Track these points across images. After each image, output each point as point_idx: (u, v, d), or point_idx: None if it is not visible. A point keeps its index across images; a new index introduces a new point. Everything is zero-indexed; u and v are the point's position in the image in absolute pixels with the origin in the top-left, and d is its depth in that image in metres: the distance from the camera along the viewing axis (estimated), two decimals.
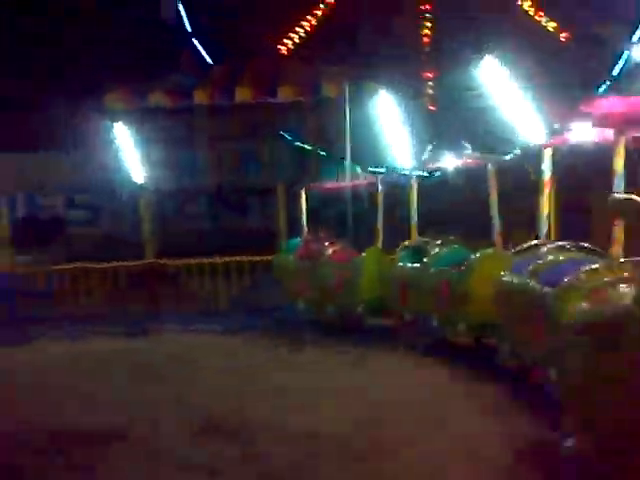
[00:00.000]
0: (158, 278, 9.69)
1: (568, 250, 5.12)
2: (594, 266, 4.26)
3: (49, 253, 14.50)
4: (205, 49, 23.01)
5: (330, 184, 9.34)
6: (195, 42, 23.02)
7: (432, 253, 6.89)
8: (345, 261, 7.89)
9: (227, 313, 9.74)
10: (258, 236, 11.44)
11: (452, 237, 7.16)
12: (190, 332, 8.73)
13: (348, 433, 4.51)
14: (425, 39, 23.21)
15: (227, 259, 9.87)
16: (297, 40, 26.41)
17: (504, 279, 5.50)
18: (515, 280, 5.31)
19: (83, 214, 18.75)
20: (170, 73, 19.01)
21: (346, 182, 9.04)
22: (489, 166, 6.57)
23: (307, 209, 9.14)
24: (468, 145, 8.28)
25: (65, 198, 17.50)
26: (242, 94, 17.14)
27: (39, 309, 9.41)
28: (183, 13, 23.59)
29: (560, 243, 5.31)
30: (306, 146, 19.07)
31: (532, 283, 4.90)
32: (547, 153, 5.73)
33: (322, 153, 18.33)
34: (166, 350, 7.86)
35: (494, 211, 6.50)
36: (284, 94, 17.09)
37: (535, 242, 5.61)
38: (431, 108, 20.32)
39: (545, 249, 5.23)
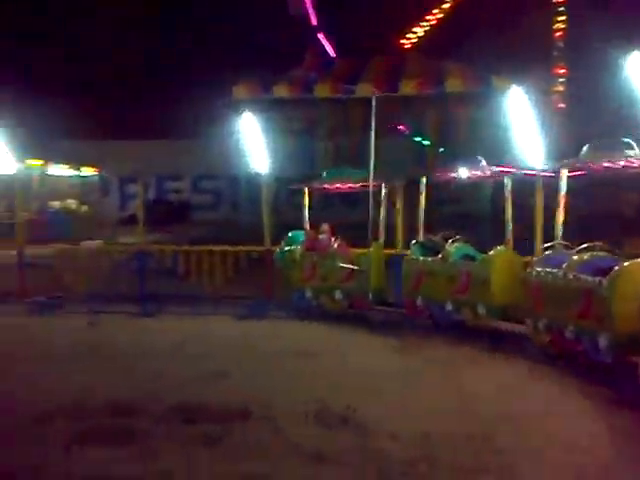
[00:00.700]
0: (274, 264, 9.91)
1: (592, 249, 6.38)
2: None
3: (174, 234, 15.44)
4: (329, 44, 23.38)
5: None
6: (320, 37, 23.49)
7: (447, 248, 7.97)
8: (347, 254, 8.99)
9: None
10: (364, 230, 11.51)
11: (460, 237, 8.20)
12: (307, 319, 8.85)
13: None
14: (558, 34, 22.09)
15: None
16: (421, 34, 26.16)
17: (542, 272, 6.67)
18: (557, 272, 6.43)
19: (206, 199, 19.91)
20: (294, 67, 19.52)
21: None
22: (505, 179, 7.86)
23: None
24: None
25: (191, 183, 18.67)
26: (363, 89, 17.18)
27: (166, 286, 9.97)
28: (309, 9, 24.10)
29: (585, 245, 6.47)
30: (425, 141, 18.86)
31: (576, 274, 6.16)
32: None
33: (441, 149, 18.03)
34: (282, 335, 8.05)
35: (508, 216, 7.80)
36: (406, 88, 16.91)
37: (553, 244, 6.95)
38: (561, 106, 19.35)
39: (575, 249, 6.52)
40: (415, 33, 26.86)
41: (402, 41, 26.42)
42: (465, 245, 8.15)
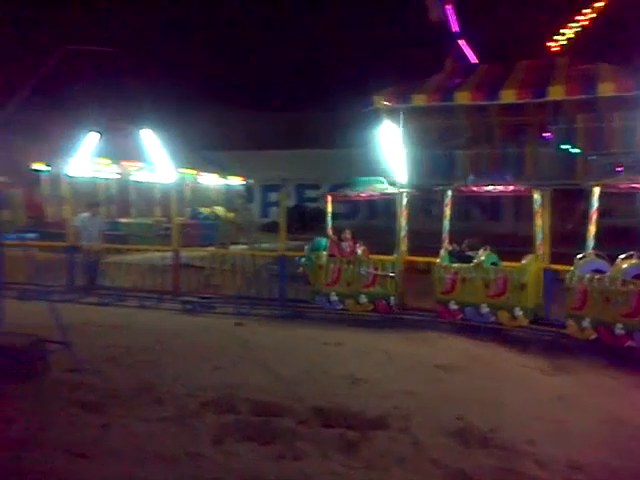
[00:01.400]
0: (410, 273, 9.80)
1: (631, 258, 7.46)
2: None
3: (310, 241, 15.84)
4: (470, 50, 22.87)
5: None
6: (460, 43, 23.05)
7: (480, 257, 8.70)
8: (371, 259, 9.48)
9: None
10: (507, 241, 10.99)
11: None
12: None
13: None
14: None
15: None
16: (571, 36, 24.71)
17: (586, 276, 7.61)
18: (603, 277, 7.49)
19: (343, 207, 20.28)
20: (434, 74, 19.30)
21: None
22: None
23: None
24: None
25: (327, 192, 19.16)
26: (507, 95, 16.54)
27: (300, 291, 10.26)
28: (450, 15, 23.74)
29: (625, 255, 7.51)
30: (574, 149, 17.75)
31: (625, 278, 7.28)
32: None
33: (592, 157, 16.87)
34: (423, 346, 7.98)
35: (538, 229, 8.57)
36: (555, 93, 16.01)
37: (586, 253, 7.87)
38: None
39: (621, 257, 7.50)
40: (564, 35, 25.45)
41: (550, 44, 25.16)
42: (491, 254, 8.90)
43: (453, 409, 5.41)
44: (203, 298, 10.35)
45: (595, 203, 7.97)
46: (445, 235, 9.16)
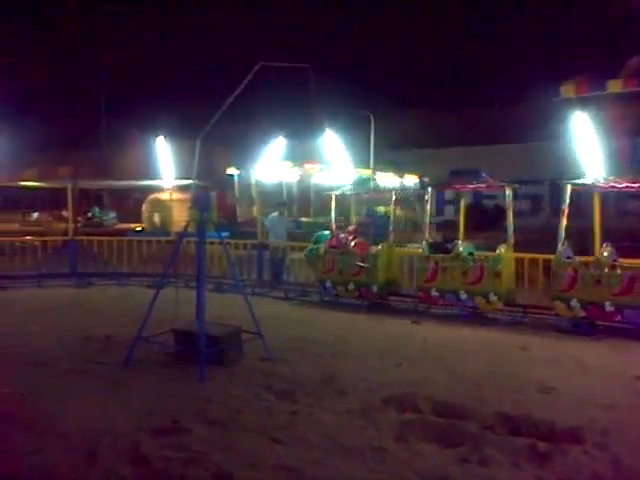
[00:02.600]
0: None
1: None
2: None
3: (488, 240, 15.24)
4: None
5: None
6: None
7: (457, 247, 9.59)
8: (364, 251, 10.49)
9: None
10: None
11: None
12: None
13: None
14: None
15: None
16: None
17: (574, 262, 8.57)
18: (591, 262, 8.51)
19: (525, 205, 19.26)
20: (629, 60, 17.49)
21: None
22: None
23: None
24: None
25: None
26: None
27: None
28: None
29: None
30: None
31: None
32: None
33: None
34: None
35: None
36: None
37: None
38: None
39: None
40: None
41: None
42: (469, 245, 9.88)
43: None
44: (380, 297, 10.49)
45: (567, 200, 8.78)
46: (425, 226, 10.11)
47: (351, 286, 10.37)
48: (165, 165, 14.20)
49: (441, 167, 23.60)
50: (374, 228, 18.01)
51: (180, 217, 16.55)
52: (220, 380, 6.23)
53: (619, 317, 8.24)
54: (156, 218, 25.58)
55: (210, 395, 5.76)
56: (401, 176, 22.82)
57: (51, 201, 28.74)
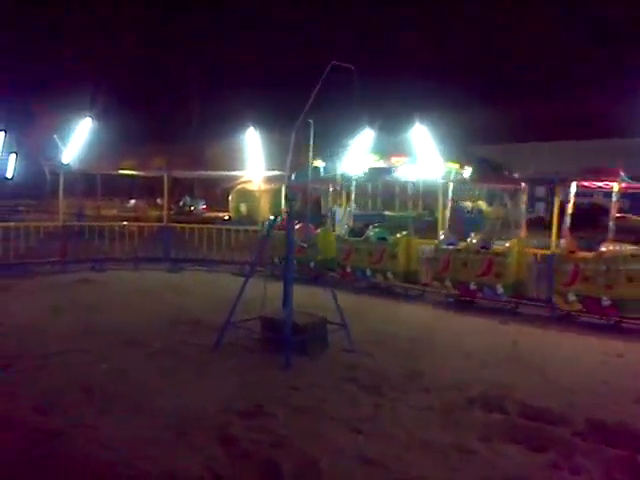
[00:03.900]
0: None
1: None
2: None
3: (583, 239, 14.50)
4: None
5: None
6: None
7: (368, 232, 11.71)
8: (306, 234, 11.76)
9: None
10: None
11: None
12: None
13: None
14: None
15: None
16: None
17: (447, 249, 10.42)
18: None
19: (624, 203, 18.11)
20: None
21: None
22: None
23: None
24: None
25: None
26: None
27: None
28: None
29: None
30: None
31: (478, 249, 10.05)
32: None
33: None
34: None
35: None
36: None
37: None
38: None
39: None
40: None
41: None
42: (382, 230, 11.79)
43: None
44: (318, 273, 11.22)
45: (449, 194, 11.44)
46: (521, 223, 10.62)
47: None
48: (254, 156, 14.52)
49: (543, 163, 22.76)
50: (462, 223, 17.65)
51: (266, 207, 16.92)
52: (304, 369, 6.34)
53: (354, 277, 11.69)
54: (243, 208, 26.31)
55: (295, 383, 5.87)
56: (496, 170, 22.23)
57: (147, 189, 30.23)
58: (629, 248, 8.56)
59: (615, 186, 9.07)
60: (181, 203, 31.87)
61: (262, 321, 7.11)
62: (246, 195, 25.33)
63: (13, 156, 19.15)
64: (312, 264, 11.63)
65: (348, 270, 11.70)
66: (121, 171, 15.46)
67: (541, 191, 27.28)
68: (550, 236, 9.90)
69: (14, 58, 33.98)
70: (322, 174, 19.14)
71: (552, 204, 10.54)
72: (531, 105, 27.20)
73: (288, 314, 6.59)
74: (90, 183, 19.93)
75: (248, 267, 10.41)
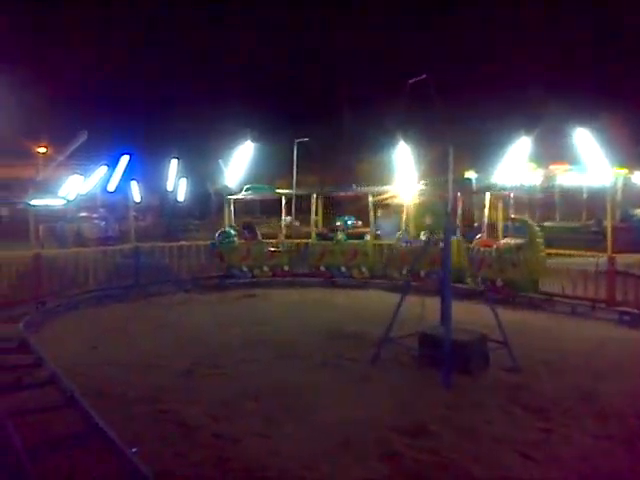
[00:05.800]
0: None
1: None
2: None
3: None
4: None
5: None
6: None
7: (339, 236, 13.95)
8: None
9: None
10: None
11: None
12: None
13: None
14: None
15: None
16: None
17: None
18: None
19: None
20: None
21: None
22: None
23: None
24: None
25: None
26: None
27: None
28: None
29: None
30: None
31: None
32: None
33: None
34: None
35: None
36: None
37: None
38: None
39: None
40: None
41: None
42: (343, 234, 14.04)
43: None
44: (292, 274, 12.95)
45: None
46: (313, 222, 14.18)
47: (265, 268, 13.68)
48: (404, 169, 14.42)
49: None
50: (632, 232, 16.15)
51: (416, 222, 16.75)
52: (466, 387, 6.16)
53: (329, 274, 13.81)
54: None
55: (457, 401, 5.72)
56: None
57: (301, 207, 31.36)
58: (517, 242, 11.13)
59: None
60: (338, 223, 32.58)
61: (421, 337, 7.03)
62: (395, 209, 25.28)
63: (184, 180, 20.98)
64: (286, 267, 13.63)
65: (322, 269, 13.65)
66: (278, 190, 16.19)
67: None
68: None
69: (189, 90, 36.77)
70: (474, 185, 18.60)
71: None
72: None
73: (448, 330, 6.45)
74: (249, 203, 21.15)
75: (402, 282, 10.36)
